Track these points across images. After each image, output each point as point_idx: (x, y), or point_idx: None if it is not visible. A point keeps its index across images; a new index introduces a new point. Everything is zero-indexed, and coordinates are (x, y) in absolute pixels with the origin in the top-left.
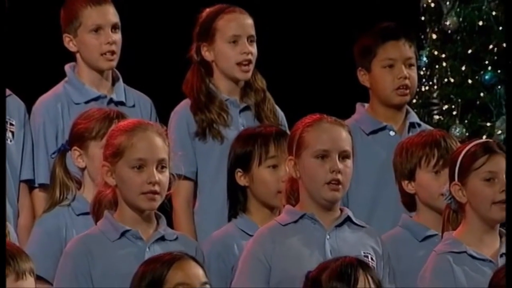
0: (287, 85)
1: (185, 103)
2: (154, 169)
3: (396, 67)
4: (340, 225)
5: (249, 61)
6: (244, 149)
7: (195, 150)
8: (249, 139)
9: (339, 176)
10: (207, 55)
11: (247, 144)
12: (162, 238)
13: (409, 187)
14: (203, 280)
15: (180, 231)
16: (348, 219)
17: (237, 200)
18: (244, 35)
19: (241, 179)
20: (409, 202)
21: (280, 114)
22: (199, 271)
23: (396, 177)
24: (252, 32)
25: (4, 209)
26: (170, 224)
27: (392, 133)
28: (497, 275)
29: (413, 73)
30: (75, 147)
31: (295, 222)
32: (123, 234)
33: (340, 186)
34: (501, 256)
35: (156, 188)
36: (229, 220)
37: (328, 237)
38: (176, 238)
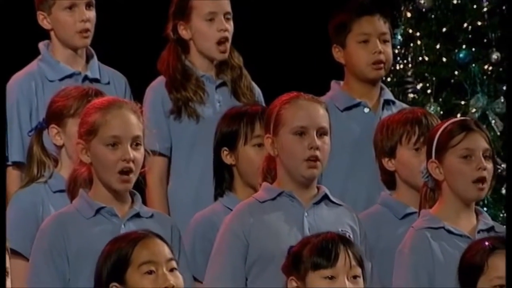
0: (263, 62)
1: (161, 80)
2: (129, 147)
3: (371, 43)
4: (317, 202)
5: (226, 39)
6: (230, 128)
7: (169, 127)
8: (235, 117)
9: (317, 153)
10: (184, 33)
11: (233, 123)
12: (138, 215)
13: (389, 165)
14: (168, 256)
15: (153, 208)
16: (325, 197)
17: (223, 179)
18: (220, 12)
19: (227, 158)
20: (389, 180)
21: (257, 90)
22: (165, 248)
23: (376, 155)
24: (228, 8)
25: (4, 208)
26: (144, 200)
27: (366, 110)
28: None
29: (388, 48)
30: (52, 125)
31: (273, 199)
32: (98, 211)
33: (318, 163)
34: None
35: (131, 165)
36: (215, 199)
37: (306, 214)
38: (152, 216)
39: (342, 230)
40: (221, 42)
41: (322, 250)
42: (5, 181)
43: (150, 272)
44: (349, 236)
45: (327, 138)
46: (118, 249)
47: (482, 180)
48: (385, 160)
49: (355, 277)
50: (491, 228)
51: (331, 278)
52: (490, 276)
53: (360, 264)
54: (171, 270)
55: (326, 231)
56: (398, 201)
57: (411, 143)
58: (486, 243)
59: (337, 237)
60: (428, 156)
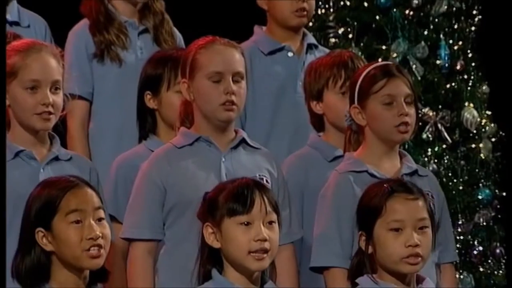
0: (185, 8)
1: (84, 23)
2: (48, 91)
3: None
4: (235, 147)
5: None
6: (154, 72)
7: (92, 71)
8: (160, 61)
9: (233, 97)
10: None
11: (158, 66)
12: (56, 158)
13: (317, 108)
14: (97, 205)
15: (75, 151)
16: (243, 141)
17: (146, 122)
18: None
19: (150, 102)
20: (318, 123)
21: (178, 36)
22: (93, 197)
23: (306, 98)
24: None
25: (4, 208)
26: (64, 144)
27: (290, 54)
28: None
29: None
30: None
31: (191, 144)
32: (16, 154)
33: (234, 107)
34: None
35: (50, 109)
36: (140, 141)
37: (223, 159)
38: (70, 158)
39: (259, 175)
40: None
41: (238, 196)
42: (5, 180)
43: (77, 222)
44: (266, 181)
45: (243, 83)
46: (48, 195)
47: (404, 124)
48: (313, 103)
49: (270, 222)
50: (415, 172)
51: (247, 224)
52: (387, 219)
53: (276, 210)
54: (99, 219)
55: (241, 177)
56: (327, 143)
57: (337, 87)
58: (385, 186)
59: (253, 183)
60: (351, 101)
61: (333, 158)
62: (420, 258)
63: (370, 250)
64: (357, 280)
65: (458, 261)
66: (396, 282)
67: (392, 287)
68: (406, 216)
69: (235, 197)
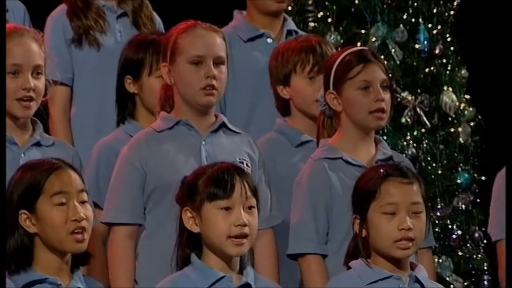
0: None
1: (62, 9)
2: (30, 75)
3: None
4: (215, 131)
5: None
6: (135, 56)
7: (71, 56)
8: (141, 46)
9: (214, 82)
10: None
11: (139, 51)
12: (38, 144)
13: (284, 92)
14: (80, 187)
15: (57, 137)
16: (223, 125)
17: (125, 106)
18: None
19: (130, 86)
20: (283, 107)
21: (158, 20)
22: (77, 180)
23: (271, 82)
24: None
25: (4, 206)
26: (47, 130)
27: (269, 40)
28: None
29: None
30: None
31: (171, 128)
32: None
33: (215, 91)
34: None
35: (32, 94)
36: (118, 125)
37: (203, 143)
38: (53, 144)
39: (239, 159)
40: None
41: (218, 181)
42: (5, 179)
43: (61, 204)
44: (247, 164)
45: (224, 67)
46: (31, 177)
47: (380, 110)
48: (280, 88)
49: (250, 207)
50: (389, 158)
51: (227, 209)
52: (381, 201)
53: (255, 194)
54: (82, 202)
55: (221, 161)
56: (293, 128)
57: (305, 72)
58: (381, 170)
59: (233, 168)
60: (326, 86)
61: (299, 143)
62: (411, 243)
63: (364, 233)
64: (350, 264)
65: (435, 246)
66: (390, 266)
67: (384, 273)
68: (400, 199)
69: (216, 182)
